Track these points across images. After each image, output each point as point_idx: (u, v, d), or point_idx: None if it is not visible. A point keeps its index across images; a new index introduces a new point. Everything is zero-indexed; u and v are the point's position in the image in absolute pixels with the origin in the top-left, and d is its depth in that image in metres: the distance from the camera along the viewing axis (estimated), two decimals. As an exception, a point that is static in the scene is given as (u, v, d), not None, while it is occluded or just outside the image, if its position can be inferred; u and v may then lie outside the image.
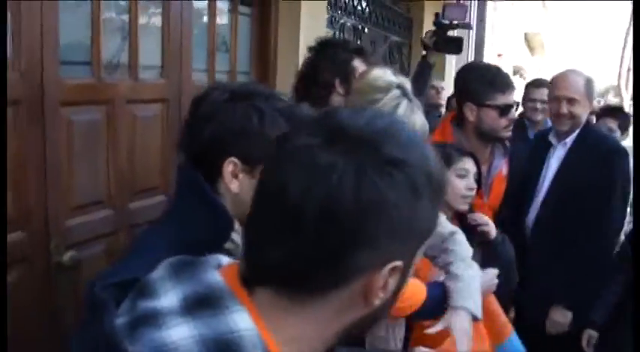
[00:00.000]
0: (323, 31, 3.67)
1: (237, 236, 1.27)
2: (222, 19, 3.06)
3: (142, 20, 2.43)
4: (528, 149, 3.12)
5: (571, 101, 2.84)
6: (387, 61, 5.77)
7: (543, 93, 4.20)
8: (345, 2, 4.49)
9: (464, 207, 2.21)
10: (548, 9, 26.25)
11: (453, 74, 9.08)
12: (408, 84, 1.80)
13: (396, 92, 1.75)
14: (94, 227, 2.24)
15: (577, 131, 2.91)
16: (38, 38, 1.93)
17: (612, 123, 4.62)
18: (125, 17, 2.35)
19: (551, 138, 2.99)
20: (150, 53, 2.50)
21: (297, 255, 0.67)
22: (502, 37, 18.72)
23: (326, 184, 0.65)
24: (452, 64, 8.96)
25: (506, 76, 2.65)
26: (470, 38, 10.86)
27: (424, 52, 3.40)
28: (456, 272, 1.77)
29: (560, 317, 2.81)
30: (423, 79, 3.11)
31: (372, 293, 0.70)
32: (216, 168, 1.25)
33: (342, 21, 4.45)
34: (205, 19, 2.90)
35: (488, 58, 15.18)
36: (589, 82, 2.90)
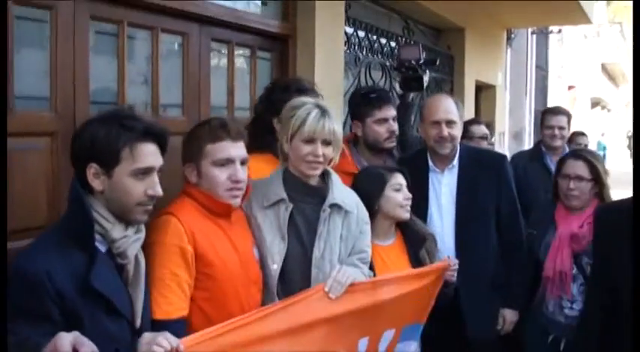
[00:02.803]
0: (339, 71, 4.07)
1: (107, 223, 1.71)
2: (242, 63, 3.52)
3: (163, 63, 2.91)
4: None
5: (450, 123, 2.92)
6: (425, 95, 6.07)
7: (560, 121, 4.41)
8: (370, 42, 4.87)
9: (405, 215, 2.52)
10: (625, 37, 25.52)
11: (507, 112, 9.26)
12: (325, 105, 2.25)
13: (308, 106, 2.20)
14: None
15: (457, 154, 3.00)
16: (71, 81, 2.43)
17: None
18: (147, 61, 2.84)
19: (433, 168, 3.03)
20: (172, 94, 2.98)
21: None
22: (574, 70, 18.48)
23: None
24: (506, 99, 9.12)
25: (383, 96, 3.03)
26: (529, 72, 10.95)
27: (401, 92, 3.87)
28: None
29: (512, 316, 3.03)
30: (406, 117, 3.50)
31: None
32: (85, 173, 1.71)
33: (367, 60, 4.83)
34: (225, 63, 3.37)
35: (557, 91, 15.06)
36: (458, 104, 3.03)
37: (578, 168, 2.90)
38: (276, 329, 1.93)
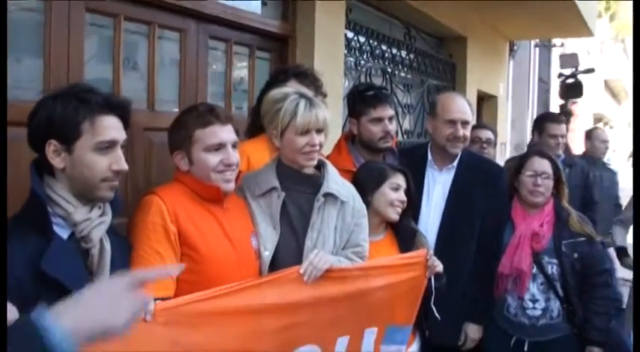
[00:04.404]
0: (339, 73, 4.06)
1: (69, 206, 1.61)
2: (241, 63, 3.51)
3: (160, 59, 2.90)
4: None
5: (465, 124, 2.91)
6: (426, 102, 6.06)
7: (563, 129, 4.39)
8: (371, 47, 4.87)
9: (393, 215, 2.48)
10: (628, 54, 25.55)
11: (509, 123, 9.25)
12: (309, 93, 2.19)
13: (293, 97, 2.12)
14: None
15: (458, 156, 2.98)
16: (65, 74, 2.42)
17: None
18: (144, 56, 2.83)
19: (432, 165, 3.01)
20: (169, 88, 2.97)
21: None
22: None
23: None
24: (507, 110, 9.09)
25: (380, 95, 2.89)
26: (531, 85, 10.96)
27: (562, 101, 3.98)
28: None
29: (474, 334, 2.94)
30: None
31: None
32: (44, 152, 1.60)
33: (368, 65, 4.83)
34: (223, 61, 3.36)
35: (559, 105, 15.04)
36: (470, 105, 3.02)
37: (545, 165, 3.01)
38: (245, 305, 1.89)
